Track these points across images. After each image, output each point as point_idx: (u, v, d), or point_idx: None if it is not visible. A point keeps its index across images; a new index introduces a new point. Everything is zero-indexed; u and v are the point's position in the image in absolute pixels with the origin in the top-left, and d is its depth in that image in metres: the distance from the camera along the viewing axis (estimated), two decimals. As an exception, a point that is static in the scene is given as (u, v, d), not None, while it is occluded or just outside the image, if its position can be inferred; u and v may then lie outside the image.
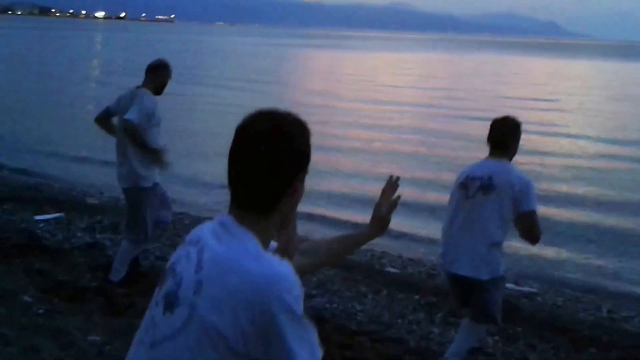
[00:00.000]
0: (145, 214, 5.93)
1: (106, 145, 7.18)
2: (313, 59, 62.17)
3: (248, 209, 1.75)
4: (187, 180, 11.38)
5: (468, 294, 4.82)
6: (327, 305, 6.08)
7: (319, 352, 1.72)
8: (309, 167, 1.79)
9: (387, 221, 2.31)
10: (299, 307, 1.66)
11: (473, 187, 4.56)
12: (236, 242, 1.70)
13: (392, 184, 2.32)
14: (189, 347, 1.64)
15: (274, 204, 1.75)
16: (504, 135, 4.65)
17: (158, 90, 5.92)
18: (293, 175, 1.76)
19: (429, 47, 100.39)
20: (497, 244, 4.58)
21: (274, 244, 1.96)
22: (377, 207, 2.31)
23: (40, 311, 5.27)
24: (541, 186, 11.91)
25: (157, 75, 5.93)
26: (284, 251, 1.93)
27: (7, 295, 5.48)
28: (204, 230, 1.78)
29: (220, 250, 1.69)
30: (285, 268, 1.67)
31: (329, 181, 11.65)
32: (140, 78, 6.01)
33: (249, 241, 1.70)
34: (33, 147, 14.01)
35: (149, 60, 6.09)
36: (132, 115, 5.59)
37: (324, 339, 5.09)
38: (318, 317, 5.66)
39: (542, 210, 5.41)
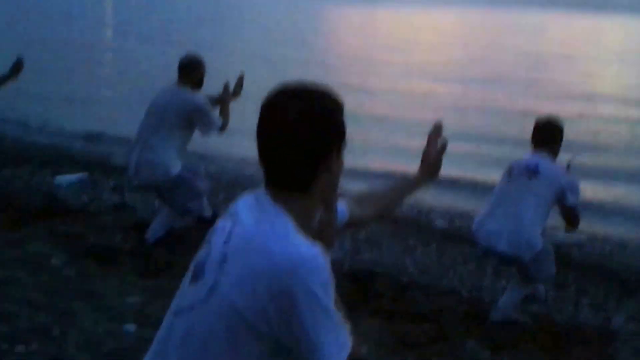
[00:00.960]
0: (198, 187, 5.83)
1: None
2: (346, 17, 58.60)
3: (280, 186, 1.68)
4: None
5: (510, 264, 4.92)
6: (378, 260, 5.95)
7: (347, 349, 1.60)
8: (345, 143, 1.71)
9: (439, 165, 2.26)
10: (325, 295, 1.56)
11: (517, 169, 4.70)
12: (266, 219, 1.64)
13: (437, 128, 2.24)
14: (205, 321, 1.60)
15: (306, 182, 1.68)
16: (547, 135, 4.78)
17: (197, 86, 5.84)
18: (325, 151, 1.67)
19: (466, 2, 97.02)
20: (538, 229, 4.63)
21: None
22: (426, 153, 2.25)
23: (71, 274, 5.02)
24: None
25: (193, 74, 5.81)
26: (320, 235, 1.80)
27: (34, 259, 5.22)
28: (242, 203, 1.73)
29: (249, 225, 1.64)
30: (313, 251, 1.58)
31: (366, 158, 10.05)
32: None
33: (279, 219, 1.64)
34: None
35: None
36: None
37: (377, 294, 4.89)
38: (369, 272, 5.57)
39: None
